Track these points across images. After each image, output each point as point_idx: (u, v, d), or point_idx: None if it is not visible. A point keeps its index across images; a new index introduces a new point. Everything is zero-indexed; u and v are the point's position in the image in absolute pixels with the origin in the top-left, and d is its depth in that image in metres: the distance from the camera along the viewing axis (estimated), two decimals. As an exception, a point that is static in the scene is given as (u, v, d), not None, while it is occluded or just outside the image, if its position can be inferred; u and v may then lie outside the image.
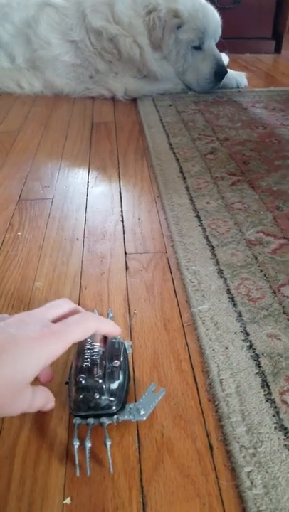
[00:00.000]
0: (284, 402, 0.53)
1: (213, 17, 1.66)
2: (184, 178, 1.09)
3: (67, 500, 0.44)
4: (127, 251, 0.83)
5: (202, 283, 0.73)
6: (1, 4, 1.78)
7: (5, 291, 0.73)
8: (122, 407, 0.50)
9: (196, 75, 1.71)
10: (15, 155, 1.26)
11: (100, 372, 0.50)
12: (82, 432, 0.49)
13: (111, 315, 0.66)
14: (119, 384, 0.51)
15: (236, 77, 1.82)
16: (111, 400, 0.49)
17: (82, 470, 0.46)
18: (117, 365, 0.52)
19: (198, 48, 1.67)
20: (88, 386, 0.49)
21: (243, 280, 0.74)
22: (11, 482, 0.46)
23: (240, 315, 0.66)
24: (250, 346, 0.61)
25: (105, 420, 0.49)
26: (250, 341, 0.62)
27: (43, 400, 0.48)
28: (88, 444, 0.47)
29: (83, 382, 0.49)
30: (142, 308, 0.69)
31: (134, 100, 1.72)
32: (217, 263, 0.78)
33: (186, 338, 0.63)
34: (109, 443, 0.47)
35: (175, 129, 1.41)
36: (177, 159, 1.19)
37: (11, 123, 1.52)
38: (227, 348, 0.61)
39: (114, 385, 0.50)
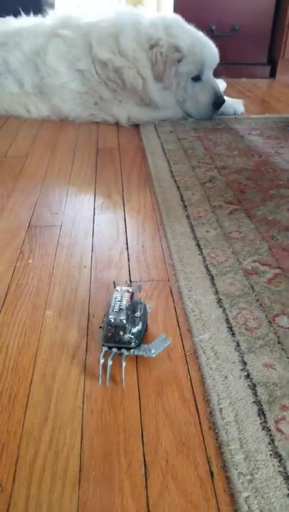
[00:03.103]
0: (279, 430, 0.57)
1: (211, 50, 1.74)
2: (185, 207, 1.14)
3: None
4: (131, 279, 0.87)
5: (203, 312, 0.78)
6: (11, 33, 1.86)
7: (17, 319, 0.77)
8: (138, 345, 0.67)
9: (196, 105, 1.78)
10: (24, 180, 1.31)
11: (124, 317, 0.66)
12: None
13: (138, 283, 0.76)
14: (138, 330, 0.68)
15: (233, 104, 1.89)
16: (131, 338, 0.67)
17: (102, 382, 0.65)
18: (138, 315, 0.69)
19: (197, 78, 1.74)
20: (116, 324, 0.66)
21: (241, 310, 0.78)
22: (28, 509, 0.50)
23: (238, 344, 0.71)
24: (248, 376, 0.65)
25: (125, 352, 0.67)
26: (247, 371, 0.66)
27: None
28: (110, 362, 0.64)
29: (112, 321, 0.66)
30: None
31: (136, 126, 1.77)
32: (216, 292, 0.82)
33: (188, 367, 0.68)
34: (124, 364, 0.65)
35: (176, 156, 1.47)
36: (178, 187, 1.24)
37: (19, 146, 1.57)
38: (226, 378, 0.65)
39: (135, 329, 0.68)
